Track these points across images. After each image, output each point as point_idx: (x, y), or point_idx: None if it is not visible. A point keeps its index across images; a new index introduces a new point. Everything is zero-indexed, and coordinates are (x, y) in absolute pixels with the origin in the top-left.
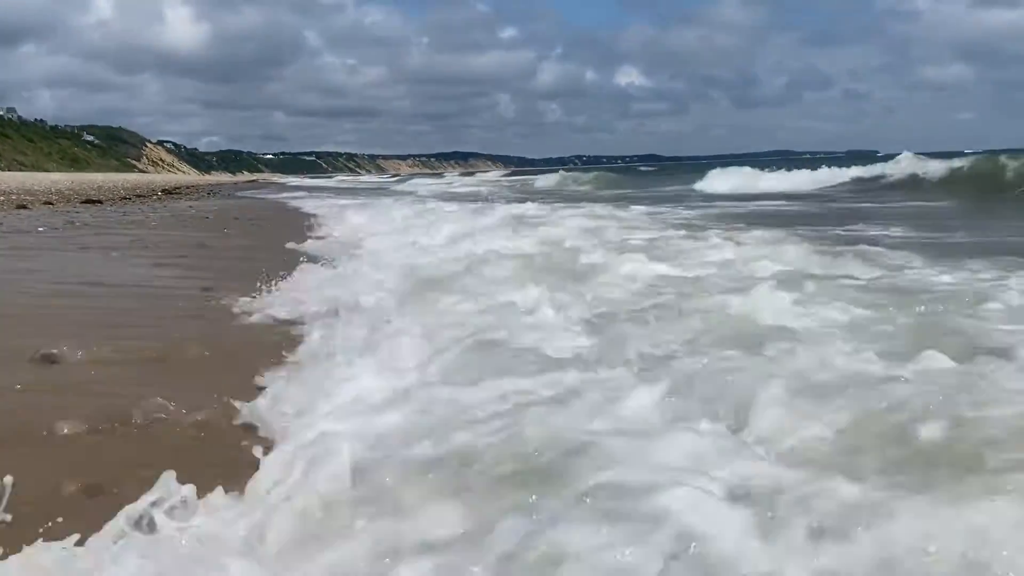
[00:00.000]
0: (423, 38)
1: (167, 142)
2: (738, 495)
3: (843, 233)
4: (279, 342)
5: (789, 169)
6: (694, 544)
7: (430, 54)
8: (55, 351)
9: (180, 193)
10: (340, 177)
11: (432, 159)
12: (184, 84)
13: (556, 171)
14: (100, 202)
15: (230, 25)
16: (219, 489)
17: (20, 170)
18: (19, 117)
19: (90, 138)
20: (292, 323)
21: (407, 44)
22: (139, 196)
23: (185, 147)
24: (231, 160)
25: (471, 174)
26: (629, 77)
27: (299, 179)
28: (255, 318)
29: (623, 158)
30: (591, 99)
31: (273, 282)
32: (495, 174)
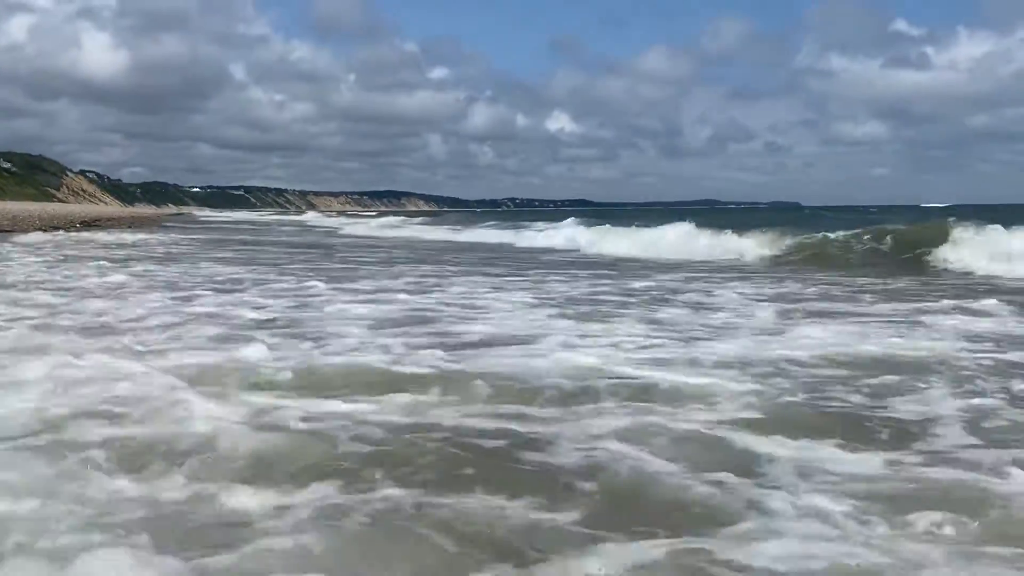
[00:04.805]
0: (350, 75)
1: (89, 172)
2: None
3: None
4: None
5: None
6: None
7: (358, 91)
8: None
9: (101, 225)
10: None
11: (364, 197)
12: (104, 112)
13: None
14: (13, 231)
15: (151, 54)
16: None
17: None
18: None
19: (7, 165)
20: None
21: (335, 81)
22: (55, 228)
23: (108, 177)
24: (156, 192)
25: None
26: (559, 123)
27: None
28: None
29: (555, 202)
30: (522, 143)
31: None
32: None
